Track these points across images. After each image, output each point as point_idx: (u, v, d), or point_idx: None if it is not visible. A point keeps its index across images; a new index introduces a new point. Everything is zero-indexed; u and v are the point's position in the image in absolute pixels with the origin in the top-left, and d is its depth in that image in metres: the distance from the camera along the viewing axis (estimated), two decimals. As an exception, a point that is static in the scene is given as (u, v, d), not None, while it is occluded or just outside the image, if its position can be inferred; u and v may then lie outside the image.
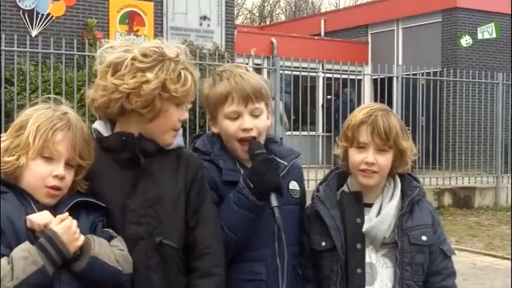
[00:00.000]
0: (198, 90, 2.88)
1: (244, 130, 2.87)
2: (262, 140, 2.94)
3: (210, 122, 3.03)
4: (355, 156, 2.96)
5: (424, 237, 2.95)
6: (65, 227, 2.41)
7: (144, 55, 2.67)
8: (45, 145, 2.52)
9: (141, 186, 2.69)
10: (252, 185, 2.75)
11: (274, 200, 2.77)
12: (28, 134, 2.52)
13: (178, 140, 2.84)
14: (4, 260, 2.33)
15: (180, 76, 2.68)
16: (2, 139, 2.56)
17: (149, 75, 2.63)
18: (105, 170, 2.68)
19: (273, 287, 2.86)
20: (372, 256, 2.94)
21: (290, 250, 2.91)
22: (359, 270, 2.92)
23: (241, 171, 2.89)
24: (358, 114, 2.99)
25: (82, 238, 2.46)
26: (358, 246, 2.93)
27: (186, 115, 2.78)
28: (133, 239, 2.65)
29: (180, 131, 2.89)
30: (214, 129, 3.00)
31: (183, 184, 2.76)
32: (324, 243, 2.95)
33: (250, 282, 2.86)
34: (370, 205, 2.99)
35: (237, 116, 2.89)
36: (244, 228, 2.80)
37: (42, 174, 2.52)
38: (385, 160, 2.94)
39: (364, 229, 2.91)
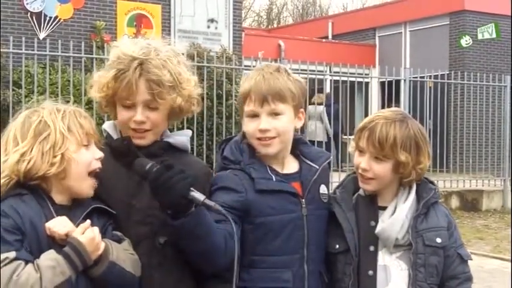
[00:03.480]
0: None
1: (261, 131, 2.84)
2: (283, 141, 2.90)
3: (242, 121, 2.99)
4: (356, 159, 2.98)
5: (438, 239, 2.92)
6: (90, 238, 2.43)
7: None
8: (83, 132, 2.57)
9: (146, 186, 2.68)
10: (166, 211, 2.56)
11: (197, 195, 2.51)
12: (59, 130, 2.52)
13: (182, 140, 2.85)
14: (30, 267, 2.33)
15: (116, 77, 2.70)
16: (22, 151, 2.49)
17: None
18: (112, 171, 2.70)
19: None
20: (386, 258, 2.93)
21: (319, 255, 2.93)
22: (370, 272, 2.91)
23: (273, 177, 2.85)
24: (367, 118, 3.01)
25: (103, 246, 2.47)
26: (371, 248, 2.92)
27: (137, 116, 2.70)
28: (138, 238, 2.67)
29: (189, 132, 2.90)
30: (245, 128, 2.96)
31: None
32: (338, 246, 2.94)
33: None
34: (385, 208, 2.98)
35: (255, 116, 2.86)
36: (188, 241, 2.60)
37: (88, 161, 2.58)
38: (380, 168, 2.91)
39: (376, 231, 2.90)
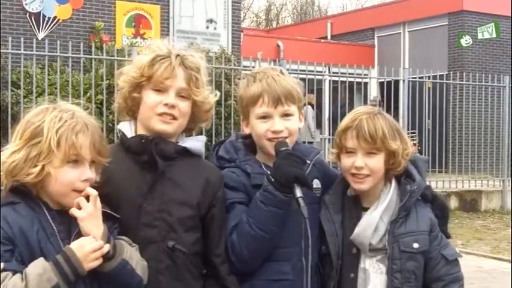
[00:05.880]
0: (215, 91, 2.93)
1: (274, 132, 2.89)
2: (293, 141, 2.95)
3: (242, 122, 3.05)
4: (345, 161, 2.97)
5: (415, 245, 2.90)
6: (80, 245, 2.40)
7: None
8: (73, 151, 2.46)
9: (158, 189, 2.70)
10: (273, 180, 2.75)
11: (298, 191, 2.73)
12: (49, 141, 2.43)
13: (197, 145, 2.87)
14: (17, 277, 2.31)
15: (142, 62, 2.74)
16: (13, 149, 2.45)
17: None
18: (125, 171, 2.69)
19: (298, 286, 2.86)
20: (366, 261, 2.93)
21: (316, 248, 2.94)
22: (352, 275, 2.91)
23: (268, 173, 2.88)
24: (345, 119, 3.00)
25: (99, 261, 2.43)
26: (354, 251, 2.92)
27: (170, 99, 2.74)
28: (145, 241, 2.66)
29: (203, 138, 2.93)
30: (247, 130, 3.01)
31: (201, 193, 2.77)
32: (323, 248, 2.96)
33: (276, 282, 2.87)
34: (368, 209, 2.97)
35: (267, 117, 2.91)
36: (275, 225, 2.79)
37: (70, 180, 2.47)
38: (375, 163, 2.92)
39: (351, 236, 2.90)
